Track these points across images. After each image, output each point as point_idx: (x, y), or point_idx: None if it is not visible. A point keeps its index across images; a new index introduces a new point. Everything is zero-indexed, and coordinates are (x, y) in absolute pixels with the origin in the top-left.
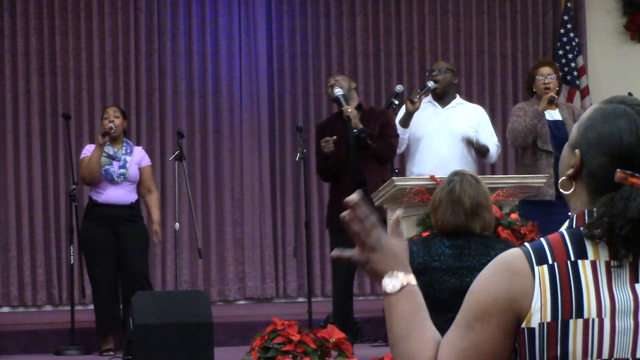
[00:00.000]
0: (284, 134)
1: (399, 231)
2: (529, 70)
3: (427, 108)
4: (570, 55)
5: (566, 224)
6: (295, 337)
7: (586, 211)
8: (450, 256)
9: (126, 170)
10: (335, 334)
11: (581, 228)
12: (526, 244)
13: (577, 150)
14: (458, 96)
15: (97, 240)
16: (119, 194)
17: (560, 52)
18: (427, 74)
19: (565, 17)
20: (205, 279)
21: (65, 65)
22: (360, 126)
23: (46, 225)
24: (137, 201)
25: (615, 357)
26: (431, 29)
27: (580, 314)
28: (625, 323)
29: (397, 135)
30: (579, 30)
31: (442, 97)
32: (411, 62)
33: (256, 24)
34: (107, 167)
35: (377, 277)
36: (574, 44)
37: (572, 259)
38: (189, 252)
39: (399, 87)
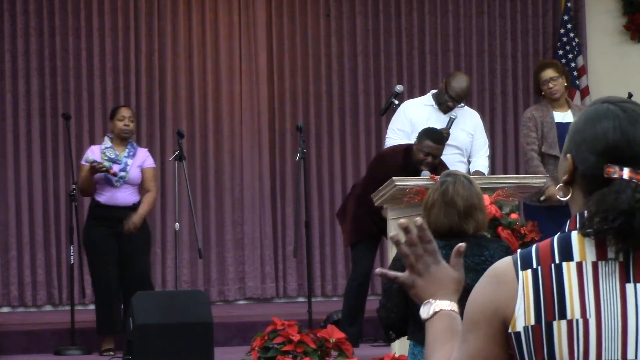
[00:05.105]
0: (284, 134)
1: (459, 262)
2: (534, 72)
3: (427, 110)
4: (570, 55)
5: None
6: (295, 337)
7: (578, 214)
8: (444, 256)
9: (126, 174)
10: (335, 334)
11: (572, 231)
12: (519, 251)
13: (568, 155)
14: None
15: (100, 241)
16: (121, 196)
17: (560, 52)
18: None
19: (565, 17)
20: (205, 279)
21: (65, 65)
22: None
23: (46, 225)
24: (140, 202)
25: (603, 358)
26: (431, 29)
27: (563, 315)
28: (612, 323)
29: None
30: (579, 30)
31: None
32: (411, 62)
33: (256, 24)
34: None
35: (420, 302)
36: (574, 44)
37: (557, 261)
38: (189, 252)
39: (399, 87)
